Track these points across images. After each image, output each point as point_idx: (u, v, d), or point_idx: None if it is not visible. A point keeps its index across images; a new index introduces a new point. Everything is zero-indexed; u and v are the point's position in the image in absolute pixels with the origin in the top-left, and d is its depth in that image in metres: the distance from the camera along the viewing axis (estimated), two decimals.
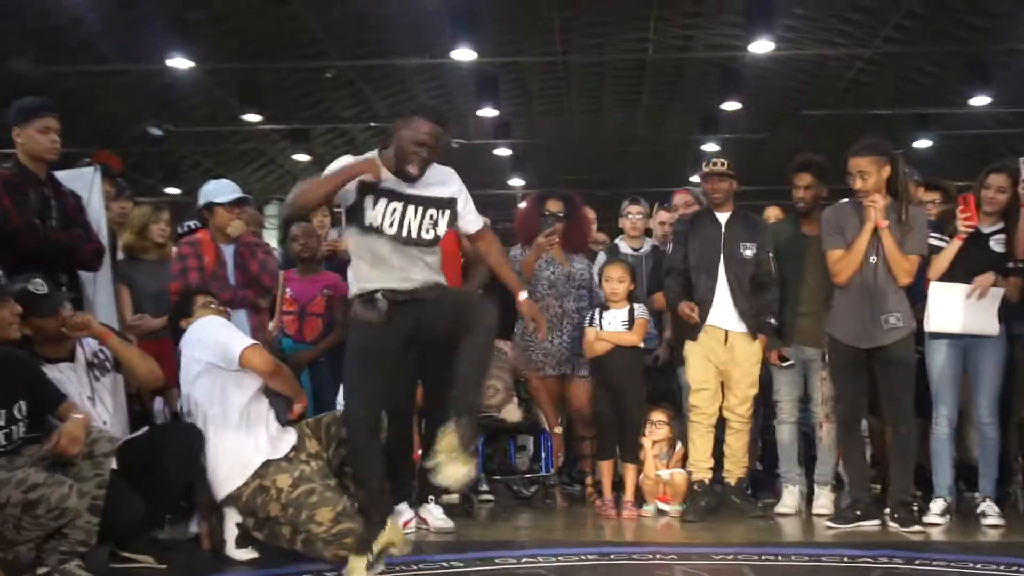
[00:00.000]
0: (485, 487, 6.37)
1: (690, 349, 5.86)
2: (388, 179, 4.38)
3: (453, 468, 4.09)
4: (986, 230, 5.57)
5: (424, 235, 4.43)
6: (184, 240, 5.75)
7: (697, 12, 19.25)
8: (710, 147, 21.22)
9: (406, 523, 5.12)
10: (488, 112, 19.27)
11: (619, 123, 26.54)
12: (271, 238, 11.16)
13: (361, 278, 4.42)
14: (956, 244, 5.47)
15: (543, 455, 6.38)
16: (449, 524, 5.34)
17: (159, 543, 4.71)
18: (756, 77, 20.48)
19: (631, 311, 5.98)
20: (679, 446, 6.08)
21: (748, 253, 5.81)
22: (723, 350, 5.78)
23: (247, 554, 4.61)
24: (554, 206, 6.37)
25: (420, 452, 5.27)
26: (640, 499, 6.02)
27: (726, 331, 5.78)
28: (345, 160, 4.42)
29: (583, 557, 4.69)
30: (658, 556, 4.74)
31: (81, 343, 4.61)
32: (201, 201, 5.58)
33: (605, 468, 6.00)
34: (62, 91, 15.05)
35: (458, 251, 6.08)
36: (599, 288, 6.23)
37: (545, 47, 20.36)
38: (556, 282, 6.34)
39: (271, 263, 5.73)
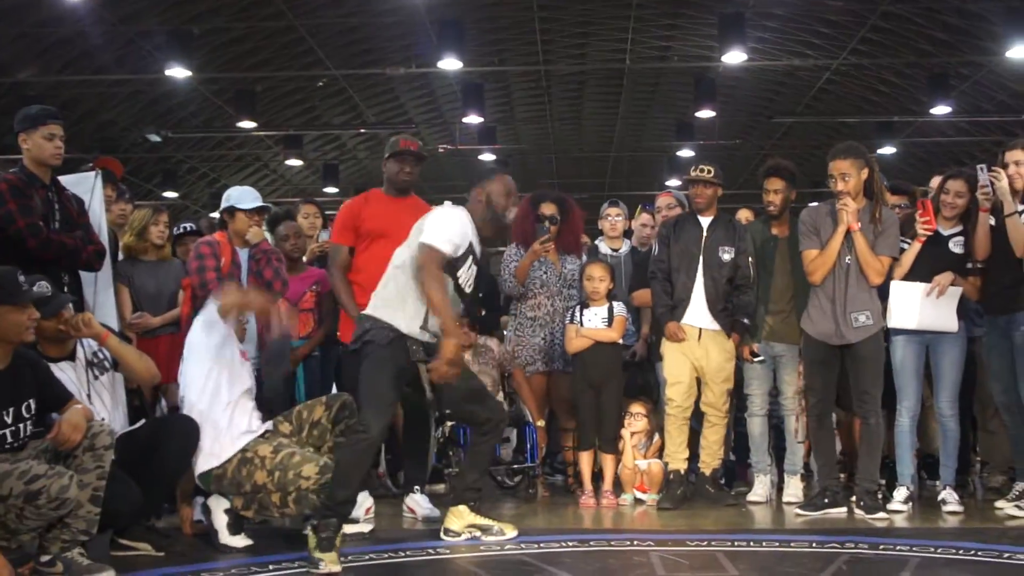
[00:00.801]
0: None
1: (667, 345, 6.05)
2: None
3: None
4: (946, 232, 5.78)
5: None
6: (203, 240, 5.86)
7: (673, 24, 19.54)
8: (685, 153, 21.52)
9: (367, 510, 5.30)
10: (473, 119, 19.49)
11: (598, 129, 26.77)
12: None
13: (413, 318, 4.72)
14: (916, 246, 5.69)
15: (527, 446, 6.54)
16: (435, 512, 5.46)
17: (157, 531, 4.79)
18: (729, 86, 20.83)
19: (611, 309, 6.19)
20: (656, 437, 6.28)
21: (726, 257, 6.00)
22: (697, 347, 5.97)
23: (241, 541, 4.75)
24: (548, 209, 6.51)
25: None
26: (618, 488, 6.23)
27: (700, 329, 5.99)
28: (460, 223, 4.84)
29: (564, 544, 4.83)
30: (635, 543, 4.87)
31: (81, 342, 4.70)
32: (224, 205, 5.74)
33: (585, 459, 6.18)
34: (66, 99, 15.23)
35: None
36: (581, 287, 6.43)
37: (528, 57, 20.63)
38: (548, 282, 6.51)
39: (283, 271, 5.86)
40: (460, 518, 4.98)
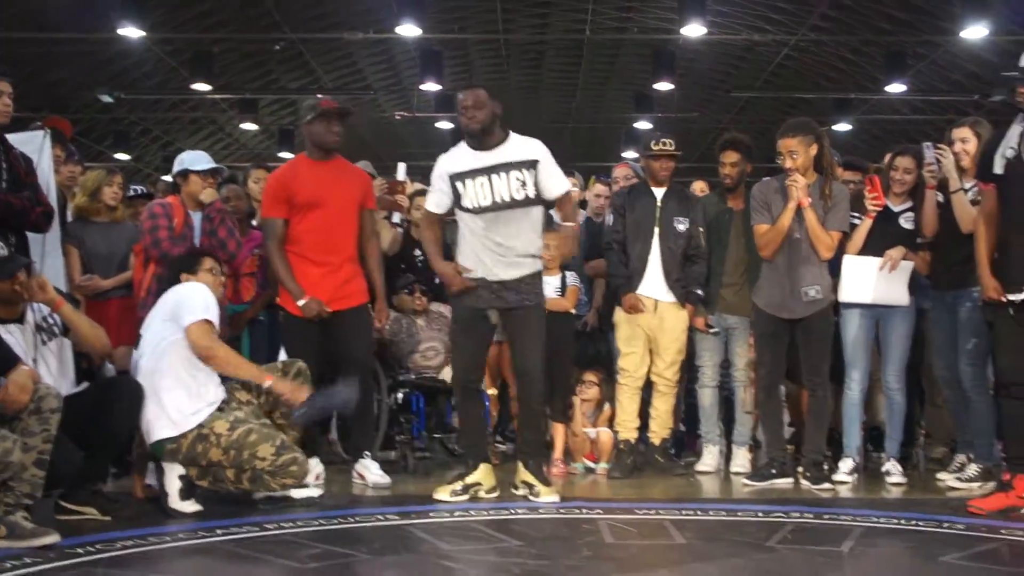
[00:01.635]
0: (421, 444, 6.53)
1: (620, 316, 6.09)
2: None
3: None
4: (896, 208, 5.85)
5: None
6: (156, 201, 5.80)
7: None
8: (643, 125, 21.56)
9: (317, 475, 5.27)
10: (431, 86, 19.38)
11: (557, 100, 26.75)
12: None
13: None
14: (867, 222, 5.76)
15: None
16: (386, 480, 5.48)
17: (104, 496, 4.73)
18: (688, 59, 20.86)
19: (563, 279, 6.21)
20: (606, 407, 6.32)
21: (681, 227, 6.03)
22: (652, 317, 6.01)
23: (191, 506, 4.73)
24: None
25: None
26: (568, 457, 6.28)
27: (656, 300, 6.02)
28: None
29: (513, 511, 4.87)
30: (584, 511, 4.90)
31: (31, 306, 4.62)
32: (176, 168, 5.74)
33: None
34: (14, 57, 14.90)
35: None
36: None
37: (488, 25, 20.52)
38: None
39: (237, 232, 5.84)
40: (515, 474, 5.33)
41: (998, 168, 4.95)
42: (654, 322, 6.01)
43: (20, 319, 4.59)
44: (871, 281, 5.71)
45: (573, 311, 6.29)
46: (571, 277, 6.25)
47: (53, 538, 3.98)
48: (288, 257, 5.50)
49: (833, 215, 5.62)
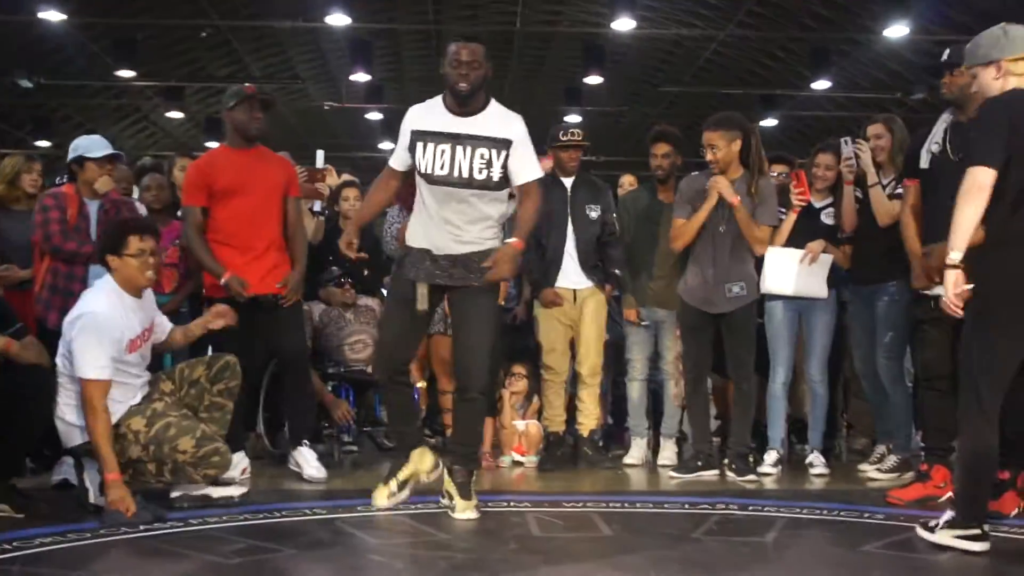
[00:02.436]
0: (350, 438, 6.50)
1: (541, 312, 6.12)
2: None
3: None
4: (817, 205, 5.94)
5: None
6: (47, 192, 5.65)
7: None
8: (573, 118, 21.63)
9: (243, 470, 5.26)
10: (360, 76, 19.22)
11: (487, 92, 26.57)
12: None
13: None
14: (792, 217, 5.84)
15: None
16: (323, 473, 5.43)
17: (18, 492, 4.60)
18: (618, 53, 20.96)
19: None
20: (535, 399, 6.34)
21: (593, 215, 6.09)
22: (572, 309, 6.05)
23: None
24: None
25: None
26: (497, 450, 6.28)
27: (574, 290, 6.06)
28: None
29: (440, 504, 4.77)
30: (512, 503, 4.91)
31: None
32: (71, 155, 5.55)
33: None
34: None
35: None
36: None
37: (418, 16, 20.40)
38: None
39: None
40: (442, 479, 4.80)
41: (924, 163, 5.06)
42: (574, 314, 6.05)
43: None
44: (792, 273, 5.80)
45: (502, 303, 6.27)
46: None
47: None
48: (210, 246, 5.42)
49: (762, 210, 5.67)
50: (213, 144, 22.84)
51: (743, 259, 5.70)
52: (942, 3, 15.94)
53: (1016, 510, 4.58)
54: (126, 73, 18.77)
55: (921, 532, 4.07)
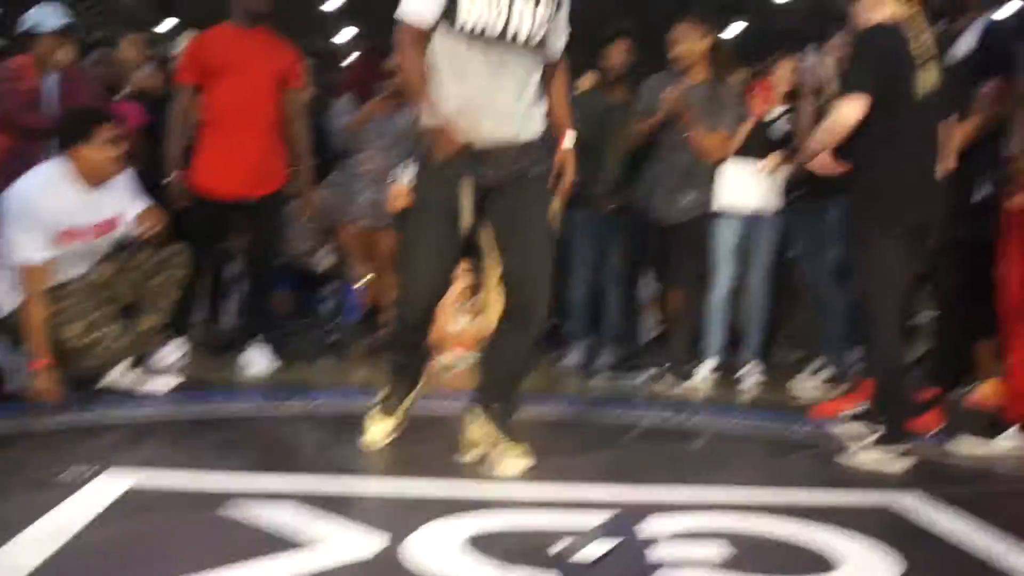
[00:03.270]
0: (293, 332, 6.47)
1: None
2: None
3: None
4: (772, 114, 5.89)
5: None
6: (2, 64, 5.42)
7: None
8: None
9: (179, 357, 5.26)
10: None
11: None
12: None
13: None
14: (748, 125, 5.78)
15: (349, 303, 6.51)
16: (272, 368, 5.43)
17: None
18: None
19: None
20: (480, 295, 6.31)
21: None
22: None
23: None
24: (391, 63, 6.33)
25: None
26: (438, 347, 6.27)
27: None
28: None
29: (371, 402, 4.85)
30: (450, 400, 4.81)
31: None
32: (21, 28, 5.31)
33: None
34: None
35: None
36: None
37: None
38: (383, 134, 6.32)
39: (102, 94, 5.54)
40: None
41: None
42: None
43: None
44: (744, 186, 5.76)
45: None
46: None
47: None
48: (201, 130, 5.29)
49: (724, 115, 5.64)
50: (172, 20, 22.15)
51: (699, 170, 5.65)
52: None
53: (939, 427, 4.65)
54: None
55: (843, 450, 4.14)
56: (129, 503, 3.00)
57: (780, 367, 6.42)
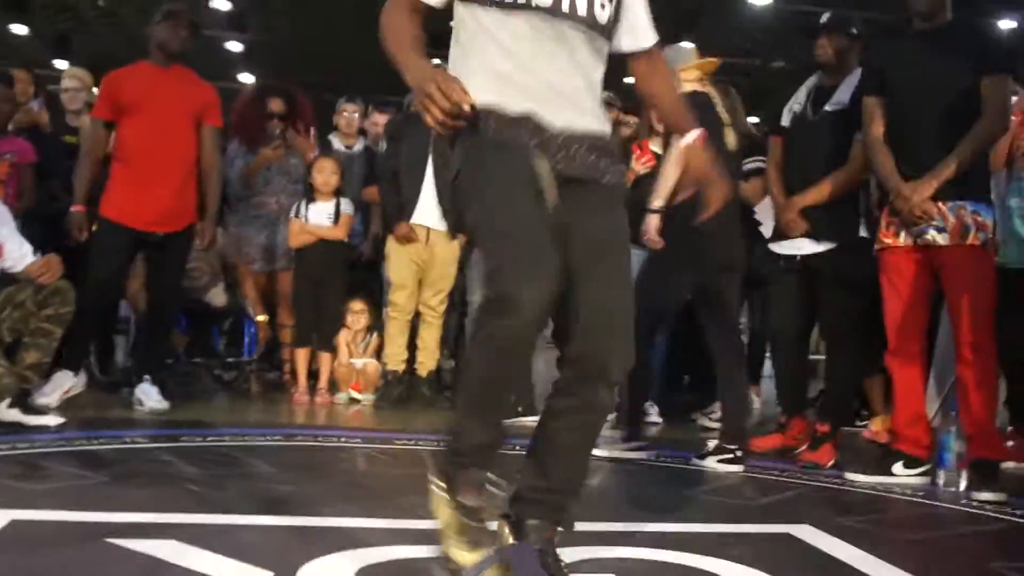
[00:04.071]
0: (187, 370, 6.37)
1: (392, 247, 6.04)
2: None
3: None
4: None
5: None
6: None
7: None
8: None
9: (65, 391, 5.11)
10: (221, 3, 18.60)
11: (353, 27, 26.11)
12: None
13: None
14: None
15: (244, 341, 6.43)
16: (164, 405, 5.32)
17: None
18: None
19: (337, 206, 6.09)
20: (374, 336, 6.29)
21: None
22: (424, 249, 5.99)
23: None
24: (276, 105, 6.35)
25: None
26: (335, 388, 6.21)
27: (428, 229, 5.98)
28: None
29: (269, 438, 4.75)
30: (343, 439, 4.85)
31: None
32: None
33: (301, 356, 6.13)
34: None
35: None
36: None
37: None
38: (272, 179, 6.34)
39: None
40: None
41: (785, 121, 5.16)
42: (425, 254, 5.99)
43: None
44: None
45: (345, 240, 6.18)
46: (345, 204, 6.14)
47: None
48: (114, 165, 5.25)
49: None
50: (62, 64, 21.80)
51: None
52: None
53: (831, 461, 4.74)
54: None
55: (694, 460, 4.59)
56: (10, 535, 2.87)
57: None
